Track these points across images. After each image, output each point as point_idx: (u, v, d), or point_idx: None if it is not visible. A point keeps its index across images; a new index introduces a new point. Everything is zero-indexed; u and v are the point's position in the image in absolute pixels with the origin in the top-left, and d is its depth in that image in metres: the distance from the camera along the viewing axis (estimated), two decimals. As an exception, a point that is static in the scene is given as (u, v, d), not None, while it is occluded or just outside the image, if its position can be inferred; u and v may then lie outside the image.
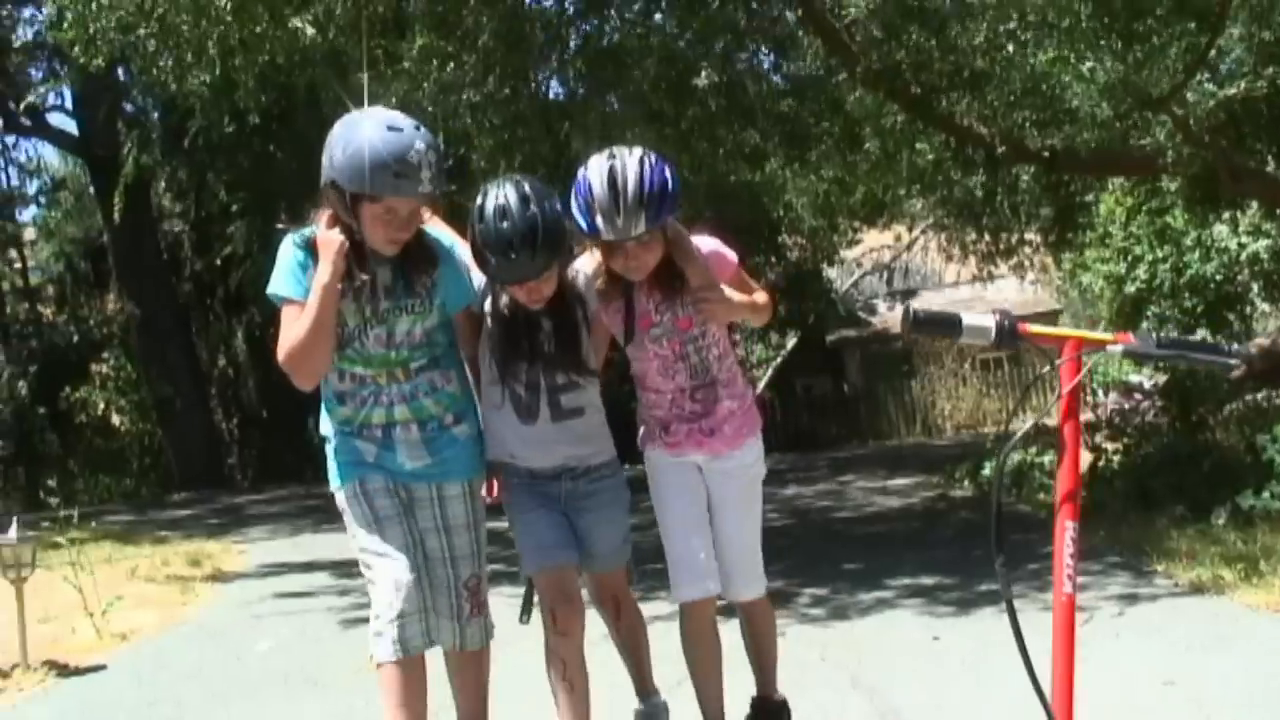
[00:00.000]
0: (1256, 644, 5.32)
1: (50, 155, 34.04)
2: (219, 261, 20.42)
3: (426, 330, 3.66)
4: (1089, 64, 10.00)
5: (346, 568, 9.31)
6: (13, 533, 6.62)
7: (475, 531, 3.74)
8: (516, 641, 4.01)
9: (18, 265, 33.45)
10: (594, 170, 3.57)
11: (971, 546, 8.26)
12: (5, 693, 6.31)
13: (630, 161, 3.56)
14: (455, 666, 3.77)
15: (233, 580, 9.84)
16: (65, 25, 8.96)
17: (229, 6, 8.13)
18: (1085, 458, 10.15)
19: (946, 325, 2.59)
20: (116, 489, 28.38)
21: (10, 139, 31.53)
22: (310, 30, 8.15)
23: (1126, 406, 11.24)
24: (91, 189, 26.77)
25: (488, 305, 3.79)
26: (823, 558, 8.70)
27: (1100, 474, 9.90)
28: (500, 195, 3.56)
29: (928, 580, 7.37)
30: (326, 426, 3.75)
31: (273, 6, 8.34)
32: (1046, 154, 11.96)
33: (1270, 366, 15.30)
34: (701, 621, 3.90)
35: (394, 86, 8.81)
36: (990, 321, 2.54)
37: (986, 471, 9.56)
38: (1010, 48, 9.53)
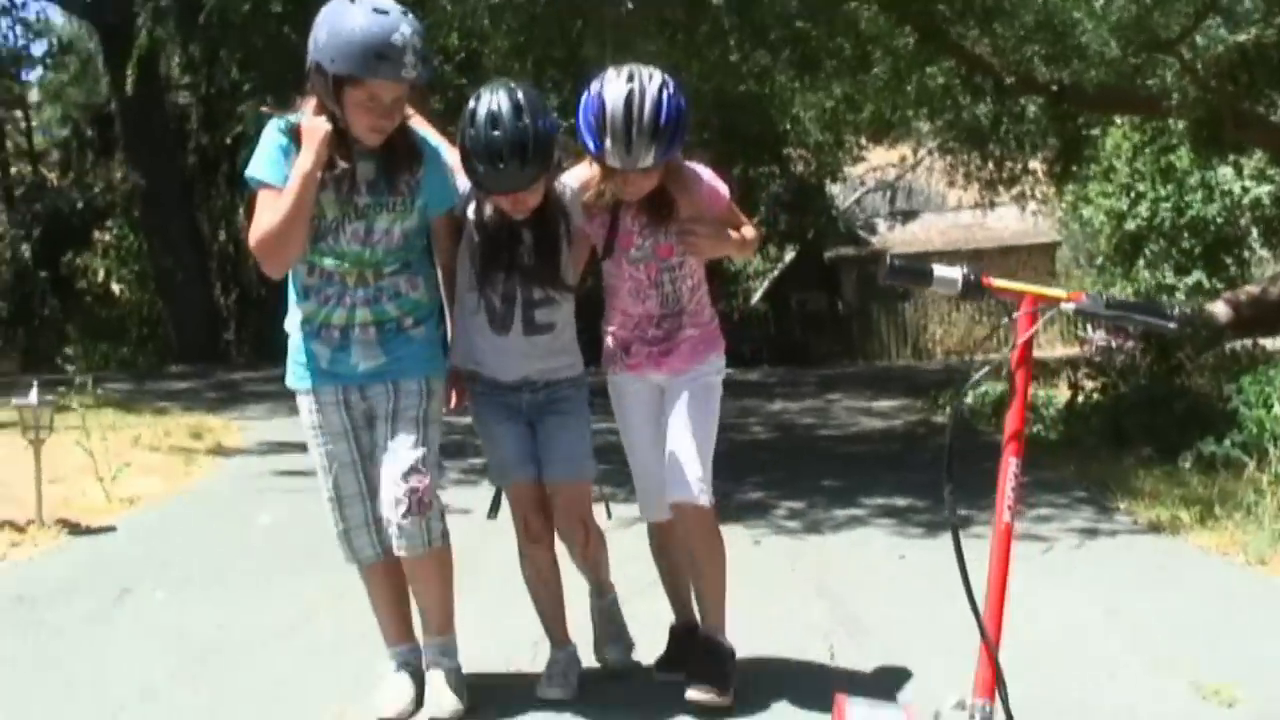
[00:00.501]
0: (1200, 583, 5.66)
1: (55, 16, 34.02)
2: (229, 140, 20.47)
3: (405, 231, 3.67)
4: (1100, 2, 10.18)
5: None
6: (33, 396, 6.92)
7: (424, 429, 3.70)
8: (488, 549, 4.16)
9: (22, 126, 33.55)
10: (611, 91, 3.50)
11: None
12: (20, 546, 6.65)
13: (650, 89, 3.50)
14: (406, 571, 3.78)
15: (233, 455, 10.18)
16: None
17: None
18: (1065, 394, 10.48)
19: (919, 275, 2.87)
20: (113, 357, 28.68)
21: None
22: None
23: (1114, 345, 11.51)
24: (101, 56, 26.81)
25: (470, 212, 3.78)
26: (802, 473, 9.00)
27: (1078, 411, 10.20)
28: (493, 102, 3.52)
29: (900, 502, 7.67)
30: (290, 323, 3.78)
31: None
32: (1054, 87, 12.16)
33: (1258, 314, 15.62)
34: (667, 538, 4.03)
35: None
36: (958, 274, 2.81)
37: (969, 399, 9.85)
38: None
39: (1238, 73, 11.50)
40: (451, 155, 3.75)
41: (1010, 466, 2.63)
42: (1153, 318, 2.85)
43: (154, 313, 29.07)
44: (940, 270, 2.84)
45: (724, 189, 3.86)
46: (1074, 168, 17.92)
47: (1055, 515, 7.06)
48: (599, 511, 4.13)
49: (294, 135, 3.51)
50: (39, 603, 5.52)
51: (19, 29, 32.95)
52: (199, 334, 25.58)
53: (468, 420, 4.10)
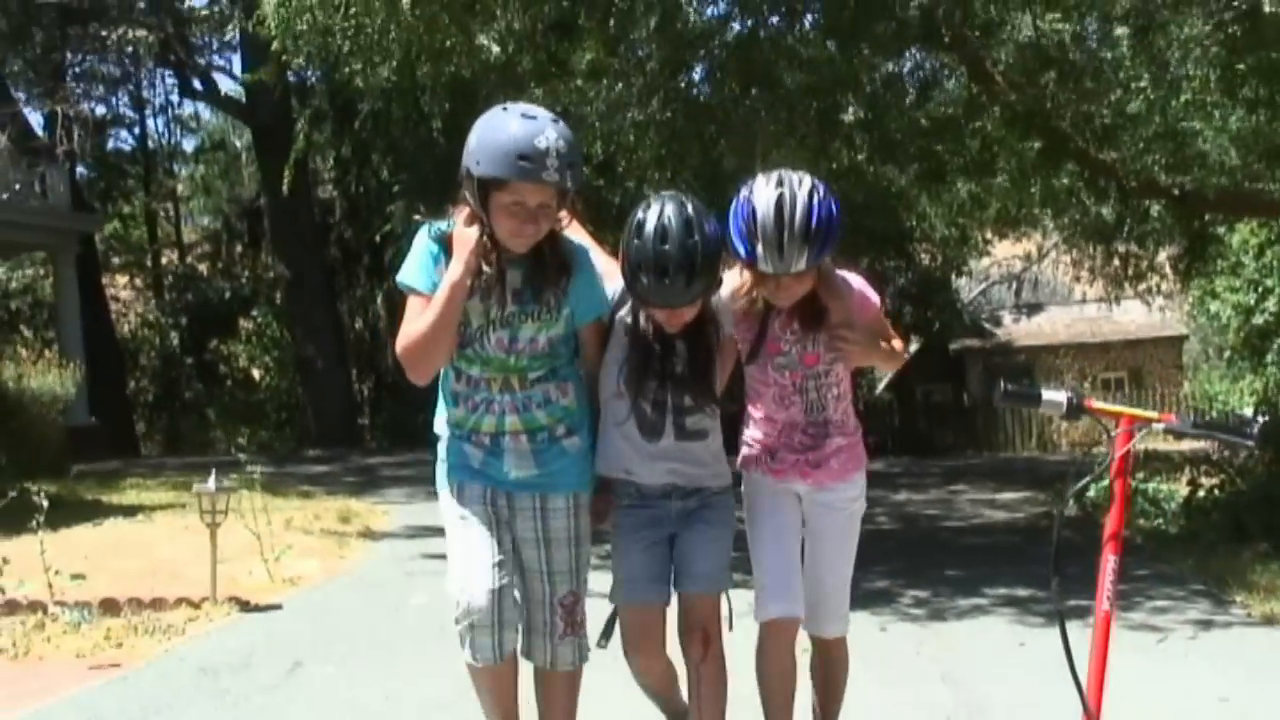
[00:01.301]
0: (1311, 674, 5.91)
1: (205, 112, 35.70)
2: (377, 238, 21.42)
3: (550, 339, 3.59)
4: (1220, 112, 10.48)
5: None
6: (211, 483, 7.52)
7: (577, 548, 3.67)
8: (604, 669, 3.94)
9: (172, 217, 35.14)
10: (760, 196, 3.46)
11: (1068, 564, 8.81)
12: (196, 622, 7.23)
13: (800, 193, 3.45)
14: (543, 685, 3.73)
15: (381, 539, 10.76)
16: (270, 23, 9.74)
17: (420, 21, 8.91)
18: (1183, 490, 10.68)
19: (1029, 398, 3.29)
20: (253, 440, 29.74)
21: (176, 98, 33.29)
22: (495, 48, 8.90)
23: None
24: (254, 153, 28.14)
25: (622, 318, 3.70)
26: (926, 563, 9.33)
27: (1198, 506, 10.42)
28: (664, 215, 3.47)
29: (1022, 592, 7.98)
30: (440, 425, 3.72)
31: (460, 21, 9.13)
32: (1176, 191, 12.42)
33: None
34: (781, 643, 3.81)
35: (563, 99, 9.59)
36: (1063, 397, 3.21)
37: (1092, 493, 10.10)
38: (1139, 101, 10.03)
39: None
40: (604, 262, 3.71)
41: (1109, 562, 3.00)
42: (1234, 436, 3.24)
43: (292, 398, 30.13)
44: (1048, 394, 3.23)
45: (875, 298, 3.80)
46: (1199, 265, 17.99)
47: (1172, 607, 7.32)
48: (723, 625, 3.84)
49: (445, 243, 3.50)
50: (220, 674, 6.06)
51: (174, 125, 34.71)
52: (337, 419, 26.43)
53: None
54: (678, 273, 3.42)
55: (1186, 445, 19.29)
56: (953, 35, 9.92)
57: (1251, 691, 5.49)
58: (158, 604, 7.48)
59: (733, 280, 3.71)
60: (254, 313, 30.72)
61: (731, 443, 3.90)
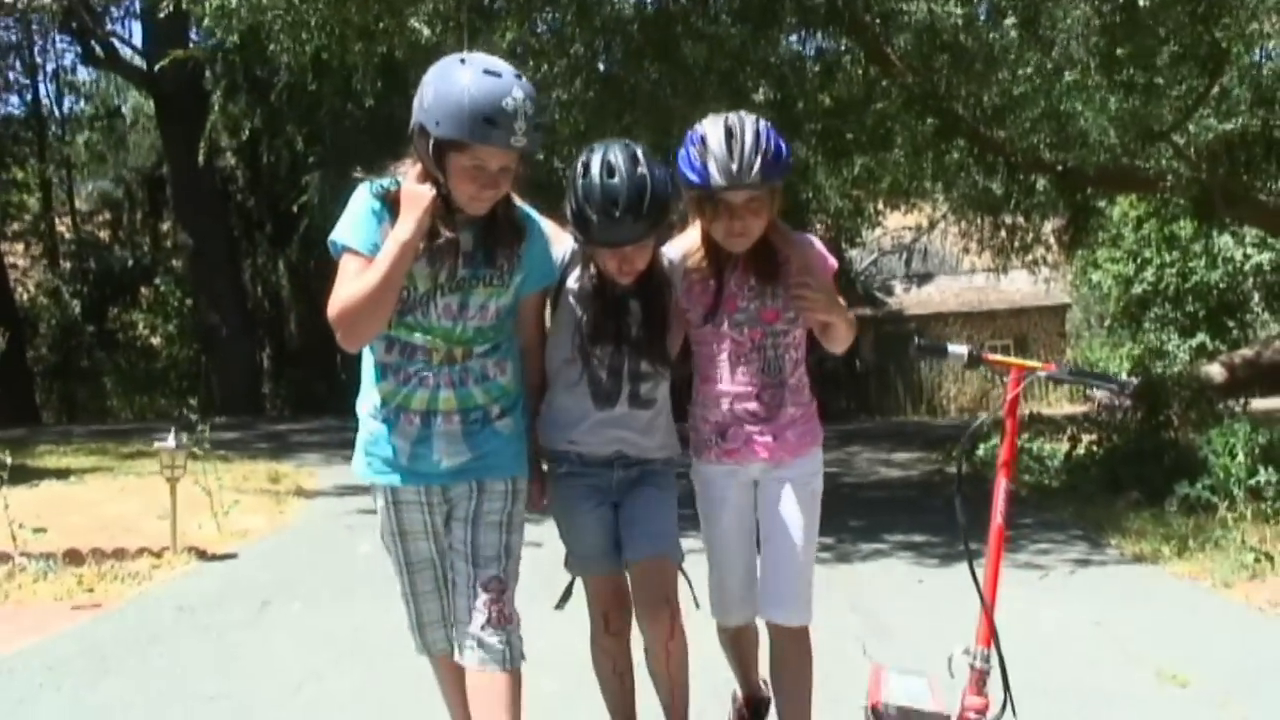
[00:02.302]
0: (1172, 602, 6.71)
1: (90, 78, 35.59)
2: (294, 208, 21.68)
3: (499, 308, 3.41)
4: (1100, 95, 11.28)
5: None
6: (171, 440, 8.01)
7: (507, 535, 3.44)
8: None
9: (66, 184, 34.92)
10: (708, 123, 3.47)
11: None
12: (160, 569, 7.75)
13: (747, 118, 3.46)
14: (472, 688, 3.38)
15: (314, 497, 11.27)
16: (205, 3, 10.10)
17: (353, 2, 9.41)
18: (1064, 448, 11.54)
19: (938, 351, 3.93)
20: (150, 408, 29.78)
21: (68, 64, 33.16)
22: (425, 30, 9.41)
23: (1115, 404, 12.51)
24: (151, 121, 28.21)
25: (571, 282, 3.63)
26: (829, 513, 10.00)
27: (1079, 461, 11.28)
28: (609, 153, 3.42)
29: (919, 538, 8.70)
30: (362, 404, 3.47)
31: (391, 4, 9.63)
32: (1060, 167, 13.25)
33: (1252, 375, 16.61)
34: (742, 637, 3.94)
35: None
36: (965, 350, 3.83)
37: (980, 452, 10.88)
38: (1025, 84, 10.80)
39: (1227, 157, 12.59)
40: (549, 226, 3.60)
41: (1002, 484, 3.63)
42: (1106, 383, 3.98)
43: (194, 367, 30.21)
44: (953, 348, 3.83)
45: (832, 260, 3.78)
46: (1082, 236, 18.91)
47: (1053, 549, 8.09)
48: (684, 601, 3.72)
49: (389, 201, 3.27)
50: (197, 611, 6.61)
51: (66, 91, 34.49)
52: (241, 387, 26.57)
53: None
54: (627, 208, 3.36)
55: (1069, 408, 20.34)
56: (854, 21, 10.60)
57: (1121, 617, 6.26)
58: (120, 554, 7.96)
59: (684, 242, 3.71)
60: (156, 281, 30.68)
61: (679, 412, 3.82)
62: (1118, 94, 11.05)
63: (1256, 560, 7.06)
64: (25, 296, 31.50)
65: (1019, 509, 8.28)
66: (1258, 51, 11.60)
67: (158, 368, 32.46)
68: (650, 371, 3.65)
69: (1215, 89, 11.54)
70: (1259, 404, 15.20)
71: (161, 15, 10.65)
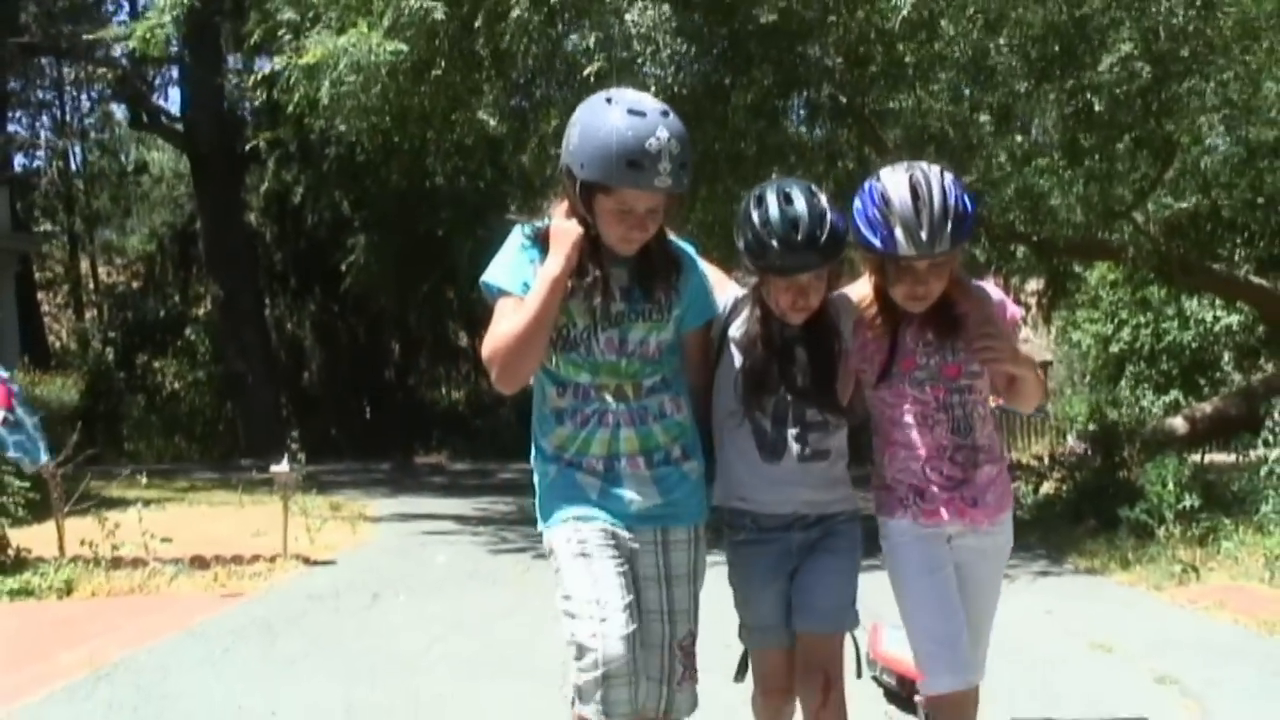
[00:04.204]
0: (1111, 600, 8.29)
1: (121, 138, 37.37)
2: (343, 267, 23.18)
3: (660, 344, 3.30)
4: (1067, 177, 12.93)
5: (466, 520, 12.39)
6: (285, 464, 9.59)
7: (695, 584, 3.40)
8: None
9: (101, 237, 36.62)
10: (890, 180, 3.26)
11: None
12: (276, 573, 9.28)
13: (932, 173, 3.25)
14: None
15: (379, 521, 12.82)
16: (293, 92, 11.67)
17: (440, 97, 11.07)
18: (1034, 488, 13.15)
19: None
20: (166, 451, 31.17)
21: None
22: (492, 121, 11.06)
23: (1082, 450, 14.07)
24: (181, 181, 30.00)
25: (736, 330, 3.47)
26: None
27: (1047, 498, 12.88)
28: (784, 185, 3.32)
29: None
30: (538, 456, 3.40)
31: (463, 100, 11.30)
32: (1035, 238, 14.88)
33: (1213, 428, 18.16)
34: (961, 717, 3.50)
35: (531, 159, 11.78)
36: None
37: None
38: (1002, 171, 12.45)
39: (1180, 234, 14.29)
40: (710, 269, 3.52)
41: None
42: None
43: (215, 413, 31.65)
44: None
45: (1015, 311, 3.60)
46: (1060, 299, 20.47)
47: (1020, 565, 9.59)
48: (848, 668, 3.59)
49: (539, 241, 3.25)
50: (324, 599, 8.18)
51: (100, 152, 36.31)
52: (266, 432, 28.03)
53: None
54: (808, 235, 3.23)
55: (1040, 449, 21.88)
56: (854, 114, 12.29)
57: (1068, 609, 7.84)
58: (238, 560, 9.52)
59: (858, 291, 3.51)
60: (187, 331, 32.19)
61: (856, 457, 3.62)
62: (1082, 178, 12.67)
63: (1184, 571, 8.63)
64: (58, 344, 33.06)
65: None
66: (1204, 143, 13.19)
67: (179, 414, 33.88)
68: (820, 421, 3.45)
69: (1169, 174, 13.20)
70: (1220, 457, 16.58)
71: (255, 104, 12.23)
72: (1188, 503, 9.62)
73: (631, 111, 3.06)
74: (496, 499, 15.38)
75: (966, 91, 12.38)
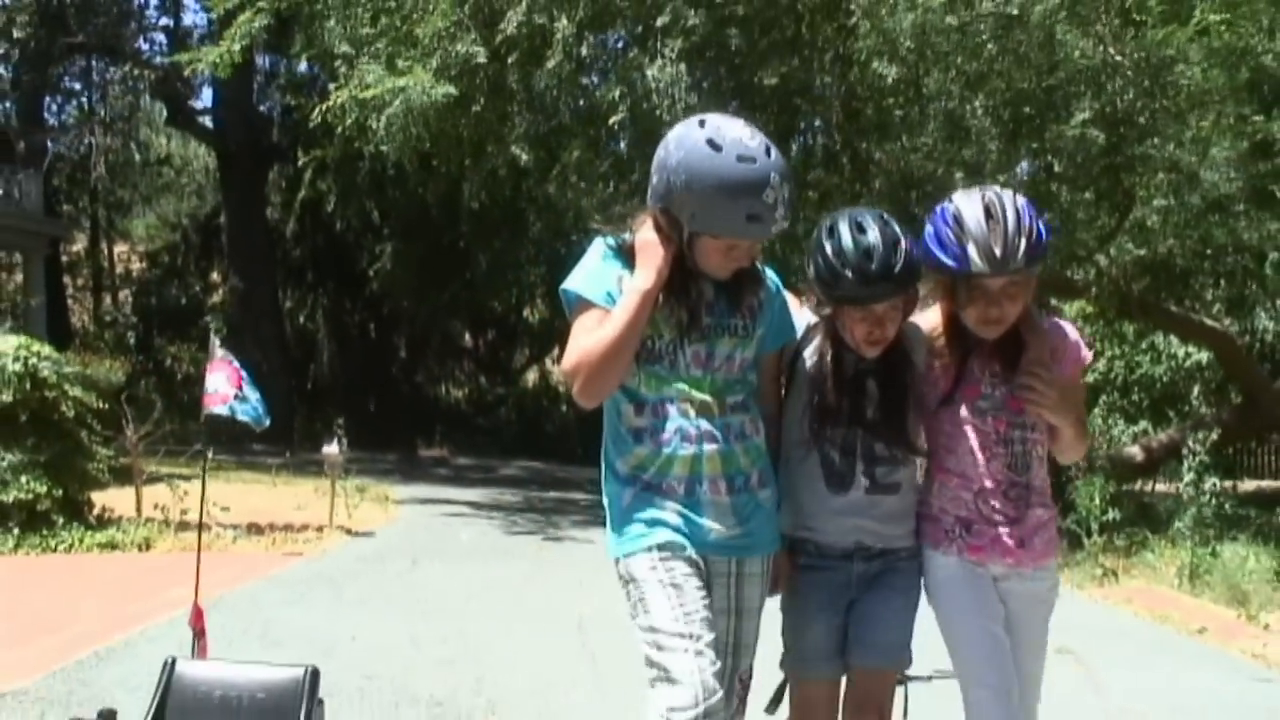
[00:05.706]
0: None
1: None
2: (370, 271, 24.32)
3: (744, 361, 3.21)
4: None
5: (480, 506, 13.90)
6: (334, 446, 11.04)
7: (758, 619, 3.27)
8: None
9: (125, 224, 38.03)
10: (963, 201, 3.17)
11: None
12: (323, 540, 10.71)
13: (1005, 194, 3.16)
14: None
15: (404, 504, 14.25)
16: (346, 116, 13.05)
17: (479, 130, 12.53)
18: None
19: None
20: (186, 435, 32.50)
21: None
22: (524, 156, 12.51)
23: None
24: (207, 174, 31.46)
25: (808, 358, 3.37)
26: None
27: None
28: (855, 214, 3.20)
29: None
30: (611, 480, 3.24)
31: (497, 132, 12.77)
32: (1007, 277, 16.32)
33: (1165, 456, 19.56)
34: None
35: (555, 188, 13.24)
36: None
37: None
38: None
39: (1139, 278, 15.79)
40: (789, 299, 3.40)
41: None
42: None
43: (226, 399, 32.93)
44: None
45: (1087, 354, 3.48)
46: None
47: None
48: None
49: (624, 254, 3.14)
50: (370, 561, 9.63)
51: (131, 144, 37.66)
52: (278, 420, 29.30)
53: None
54: (883, 263, 3.12)
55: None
56: (843, 163, 13.79)
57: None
58: (288, 528, 10.97)
59: (928, 320, 3.41)
60: (209, 319, 33.51)
61: None
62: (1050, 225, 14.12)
63: (1104, 574, 10.11)
64: (81, 327, 34.44)
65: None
66: (1153, 202, 14.62)
67: (197, 398, 35.10)
68: (888, 455, 3.35)
69: (1126, 223, 14.66)
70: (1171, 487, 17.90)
71: (311, 125, 13.59)
72: (1110, 516, 11.08)
73: (742, 158, 2.91)
74: (503, 490, 16.85)
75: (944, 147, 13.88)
